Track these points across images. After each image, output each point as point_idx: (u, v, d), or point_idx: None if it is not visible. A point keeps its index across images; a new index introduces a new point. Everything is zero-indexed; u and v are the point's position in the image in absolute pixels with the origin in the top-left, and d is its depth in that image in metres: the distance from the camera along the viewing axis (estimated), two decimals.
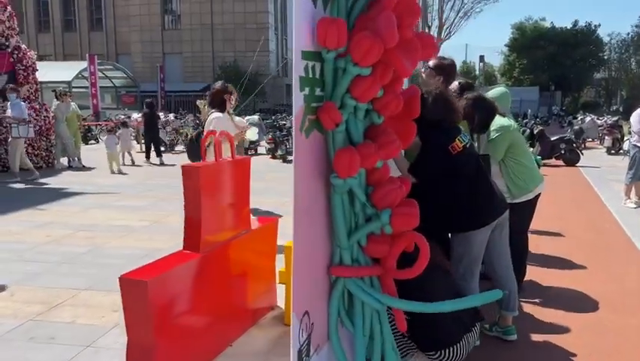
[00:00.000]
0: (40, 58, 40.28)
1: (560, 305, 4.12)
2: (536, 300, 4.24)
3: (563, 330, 3.69)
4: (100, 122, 21.87)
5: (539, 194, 4.24)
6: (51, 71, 24.93)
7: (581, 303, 4.18)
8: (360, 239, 2.35)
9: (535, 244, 5.65)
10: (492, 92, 5.04)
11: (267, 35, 41.93)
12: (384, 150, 2.21)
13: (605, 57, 52.42)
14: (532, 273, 4.78)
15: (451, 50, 69.85)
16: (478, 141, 4.33)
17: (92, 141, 19.61)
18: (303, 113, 1.93)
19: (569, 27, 49.39)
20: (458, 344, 2.79)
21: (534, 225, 6.08)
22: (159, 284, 2.52)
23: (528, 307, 4.09)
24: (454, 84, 4.61)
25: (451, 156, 3.07)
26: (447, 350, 2.77)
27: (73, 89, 27.99)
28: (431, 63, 3.97)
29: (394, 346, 2.59)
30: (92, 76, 26.85)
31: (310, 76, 1.97)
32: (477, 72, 65.37)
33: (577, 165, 12.85)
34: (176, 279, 2.69)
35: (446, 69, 3.90)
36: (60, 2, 44.31)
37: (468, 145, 3.17)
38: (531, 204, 4.21)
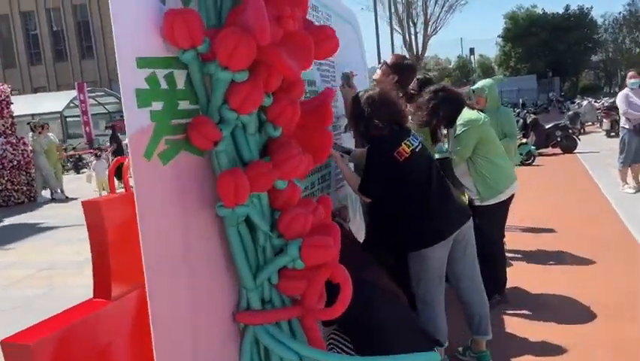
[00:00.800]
0: (35, 90, 40.17)
1: (550, 316, 3.70)
2: (523, 311, 3.82)
3: (551, 349, 3.25)
4: (91, 150, 21.59)
5: (513, 195, 3.81)
6: (44, 102, 24.82)
7: (574, 312, 3.75)
8: (270, 276, 1.94)
9: (524, 242, 5.23)
10: (480, 83, 4.74)
11: None
12: (281, 168, 1.80)
13: (601, 39, 51.75)
14: (520, 277, 4.37)
15: (445, 45, 69.52)
16: (447, 137, 3.96)
17: (84, 170, 19.33)
18: (153, 134, 1.52)
19: (560, 12, 48.85)
20: None
21: (524, 221, 5.69)
22: (50, 346, 2.12)
23: (513, 322, 3.67)
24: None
25: (397, 164, 2.69)
26: None
27: (67, 119, 27.81)
28: (389, 60, 3.60)
29: None
30: (83, 104, 26.61)
31: (163, 87, 1.57)
32: (473, 65, 65.00)
33: (575, 151, 12.37)
34: (77, 336, 2.29)
35: (404, 69, 3.54)
36: (50, 33, 44.33)
37: (418, 149, 2.78)
38: (504, 206, 3.79)
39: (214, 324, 1.85)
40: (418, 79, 4.25)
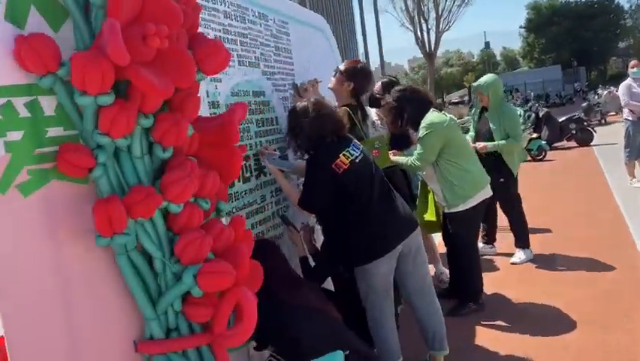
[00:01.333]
0: None
1: (526, 327, 3.52)
2: (499, 321, 3.65)
3: None
4: None
5: (484, 200, 3.65)
6: None
7: (554, 321, 3.55)
8: (173, 304, 1.86)
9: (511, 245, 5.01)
10: (482, 80, 4.64)
11: None
12: (168, 192, 1.72)
13: (627, 25, 50.20)
14: (505, 282, 4.19)
15: (468, 41, 68.43)
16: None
17: None
18: (8, 165, 1.46)
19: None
20: None
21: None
22: None
23: (483, 332, 3.51)
24: (377, 84, 4.13)
25: (336, 177, 2.58)
26: None
27: None
28: (341, 67, 3.48)
29: None
30: None
31: (22, 115, 1.50)
32: (497, 58, 63.80)
33: (592, 143, 11.96)
34: None
35: (357, 74, 3.40)
36: None
37: (358, 159, 2.67)
38: (474, 212, 3.62)
39: (110, 357, 1.78)
40: (382, 82, 4.14)
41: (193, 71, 1.70)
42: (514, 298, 3.98)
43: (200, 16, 2.46)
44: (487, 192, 3.67)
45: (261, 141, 3.03)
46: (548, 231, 5.59)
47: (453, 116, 3.76)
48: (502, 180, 4.61)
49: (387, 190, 2.81)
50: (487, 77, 4.72)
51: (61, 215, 1.60)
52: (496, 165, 4.55)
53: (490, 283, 4.26)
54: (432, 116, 3.53)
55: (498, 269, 4.65)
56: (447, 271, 4.27)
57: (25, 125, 1.52)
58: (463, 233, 3.70)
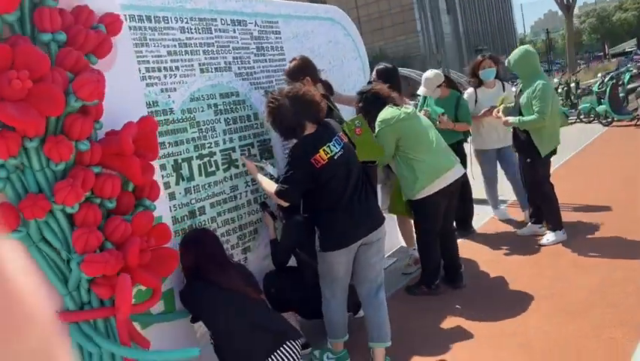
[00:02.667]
0: None
1: (494, 310, 3.47)
2: (471, 306, 3.62)
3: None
4: None
5: (446, 187, 3.62)
6: None
7: (523, 309, 3.43)
8: (80, 283, 2.36)
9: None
10: (510, 56, 4.53)
11: (414, 15, 41.10)
12: (57, 197, 2.19)
13: None
14: (505, 267, 4.10)
15: None
16: None
17: None
18: None
19: None
20: None
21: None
22: None
23: (450, 316, 3.51)
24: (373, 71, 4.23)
25: (313, 171, 2.83)
26: None
27: None
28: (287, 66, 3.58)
29: None
30: None
31: None
32: None
33: None
34: None
35: (304, 69, 3.52)
36: None
37: (337, 155, 2.88)
38: (430, 200, 3.66)
39: (32, 323, 2.32)
40: (377, 69, 4.20)
41: (60, 102, 2.13)
42: (509, 282, 3.88)
43: (150, 35, 2.90)
44: (446, 180, 3.62)
45: (232, 137, 3.39)
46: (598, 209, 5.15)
47: (408, 109, 3.77)
48: (529, 160, 4.45)
49: (362, 187, 2.97)
50: (515, 52, 4.48)
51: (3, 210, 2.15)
52: (525, 144, 4.40)
53: (498, 264, 4.20)
54: (384, 112, 3.63)
55: (522, 250, 4.49)
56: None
57: None
58: (420, 220, 3.80)
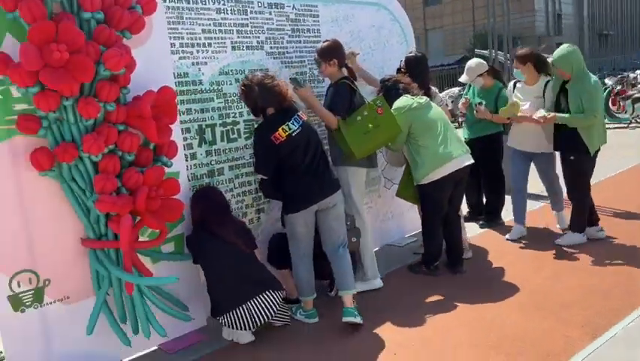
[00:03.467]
0: None
1: (476, 295, 3.68)
2: (450, 288, 3.84)
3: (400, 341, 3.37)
4: None
5: (451, 174, 3.82)
6: None
7: (502, 296, 3.62)
8: (99, 219, 2.93)
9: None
10: (558, 52, 4.44)
11: None
12: (83, 147, 2.73)
13: None
14: (515, 263, 4.24)
15: None
16: None
17: None
18: None
19: None
20: (233, 312, 3.08)
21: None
22: None
23: (439, 297, 3.75)
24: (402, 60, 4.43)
25: (274, 147, 3.25)
26: (224, 316, 3.11)
27: None
28: (315, 56, 3.83)
29: (147, 309, 3.06)
30: None
31: None
32: None
33: None
34: None
35: (331, 51, 3.75)
36: None
37: (296, 132, 3.28)
38: (435, 186, 3.89)
39: (62, 244, 2.92)
40: (406, 57, 4.38)
41: (91, 71, 2.64)
42: (507, 274, 4.03)
43: (186, 15, 3.36)
44: (450, 167, 3.80)
45: None
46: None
47: (422, 99, 3.97)
48: (572, 157, 4.40)
49: (318, 160, 3.36)
50: (562, 50, 4.39)
51: (21, 154, 2.75)
52: (570, 141, 4.35)
53: (504, 257, 4.35)
54: (399, 101, 3.89)
55: (535, 246, 4.56)
56: (467, 239, 4.51)
57: None
58: (425, 204, 4.04)
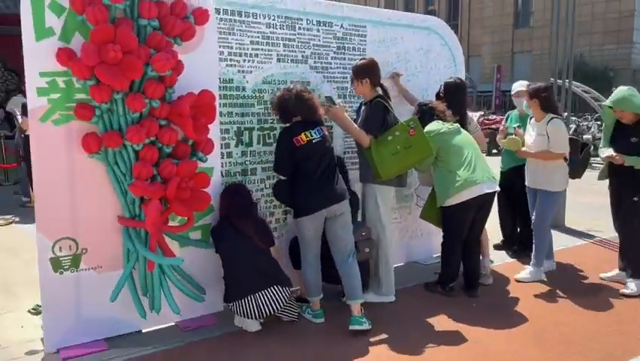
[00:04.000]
0: None
1: (482, 321, 3.74)
2: (459, 311, 3.91)
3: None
4: None
5: (473, 199, 3.93)
6: None
7: (507, 325, 3.66)
8: (135, 201, 3.30)
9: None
10: (616, 95, 4.37)
11: (633, 24, 37.02)
12: (127, 136, 3.11)
13: None
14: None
15: None
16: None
17: None
18: (47, 109, 3.05)
19: None
20: (241, 300, 3.37)
21: None
22: None
23: (448, 320, 3.86)
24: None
25: (294, 147, 3.53)
26: (234, 303, 3.41)
27: None
28: (351, 74, 4.02)
29: (164, 286, 3.40)
30: None
31: (60, 86, 3.03)
32: None
33: None
34: None
35: (364, 70, 3.92)
36: (424, 9, 48.67)
37: (315, 140, 3.54)
38: (456, 209, 4.02)
39: (101, 219, 3.32)
40: (445, 83, 4.49)
41: (139, 70, 3.01)
42: (519, 305, 4.04)
43: (237, 27, 3.70)
44: (474, 192, 3.88)
45: None
46: None
47: (452, 125, 4.13)
48: (635, 198, 4.28)
49: (331, 169, 3.58)
50: (620, 92, 4.31)
51: (75, 137, 3.16)
52: (633, 182, 4.27)
53: (523, 288, 4.36)
54: (430, 125, 4.07)
55: (557, 283, 4.53)
56: (489, 265, 4.55)
57: (61, 91, 3.09)
58: (446, 226, 4.17)
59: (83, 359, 3.15)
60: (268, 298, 3.40)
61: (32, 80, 3.03)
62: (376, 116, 3.80)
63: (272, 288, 3.40)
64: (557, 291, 4.39)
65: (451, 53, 5.12)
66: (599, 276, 4.67)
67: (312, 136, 3.54)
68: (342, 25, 4.31)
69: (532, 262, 4.63)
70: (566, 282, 4.58)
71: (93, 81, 3.03)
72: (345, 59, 4.36)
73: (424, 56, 4.92)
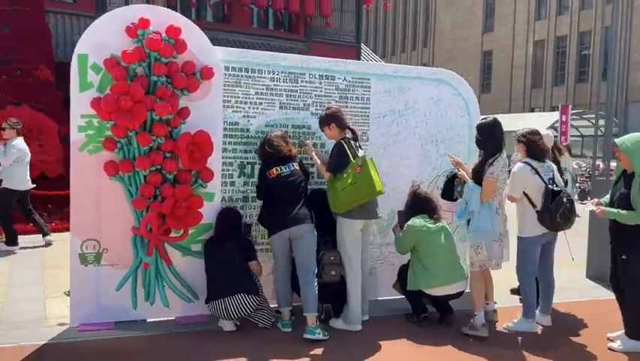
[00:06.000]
0: (532, 110, 43.35)
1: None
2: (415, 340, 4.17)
3: None
4: None
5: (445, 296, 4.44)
6: (520, 122, 27.62)
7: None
8: (143, 213, 4.24)
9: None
10: (630, 137, 4.18)
11: None
12: (137, 164, 4.07)
13: None
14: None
15: None
16: None
17: None
18: (84, 142, 4.13)
19: None
20: (214, 302, 4.11)
21: None
22: None
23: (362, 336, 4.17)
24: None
25: (267, 179, 4.29)
26: (210, 304, 4.15)
27: None
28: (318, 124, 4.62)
29: (159, 284, 4.26)
30: (563, 125, 27.63)
31: (95, 125, 4.11)
32: None
33: None
34: None
35: (329, 118, 4.46)
36: (577, 54, 46.15)
37: (285, 173, 4.28)
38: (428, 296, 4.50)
39: (119, 227, 4.31)
40: (478, 125, 4.62)
41: (144, 115, 3.98)
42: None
43: (243, 80, 4.56)
44: (440, 291, 4.51)
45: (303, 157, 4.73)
46: None
47: (437, 224, 4.62)
48: (624, 257, 4.15)
49: (297, 197, 4.25)
50: (634, 136, 4.11)
51: (103, 163, 4.19)
52: (619, 238, 4.18)
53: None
54: (414, 220, 4.63)
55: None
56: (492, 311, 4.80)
57: (95, 129, 4.17)
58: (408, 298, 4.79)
59: (93, 333, 4.10)
60: (235, 303, 4.08)
61: (75, 120, 4.14)
62: (335, 156, 4.34)
63: (238, 295, 4.08)
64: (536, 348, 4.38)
65: (464, 103, 5.46)
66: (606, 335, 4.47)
67: (281, 170, 4.26)
68: (344, 79, 4.96)
69: (522, 312, 4.64)
70: (556, 340, 4.56)
71: (112, 122, 4.06)
72: (347, 106, 4.97)
73: (434, 105, 5.33)
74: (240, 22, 16.16)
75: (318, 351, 3.98)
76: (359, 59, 18.56)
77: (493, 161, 4.35)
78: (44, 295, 5.01)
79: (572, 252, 4.75)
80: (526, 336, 4.44)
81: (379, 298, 5.15)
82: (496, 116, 4.80)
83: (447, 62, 42.15)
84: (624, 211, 4.08)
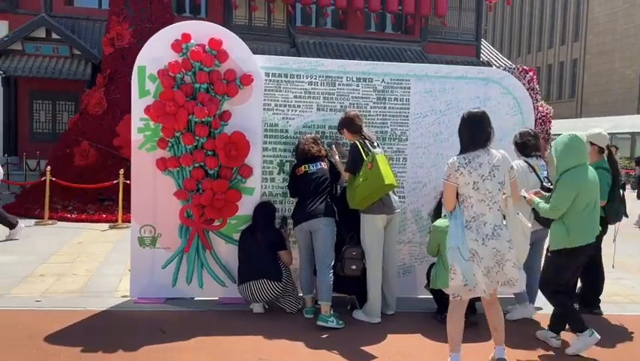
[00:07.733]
0: None
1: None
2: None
3: None
4: None
5: None
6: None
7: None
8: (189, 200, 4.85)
9: None
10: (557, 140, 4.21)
11: None
12: (181, 160, 4.68)
13: None
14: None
15: None
16: None
17: None
18: (142, 141, 4.82)
19: None
20: (242, 285, 4.58)
21: None
22: None
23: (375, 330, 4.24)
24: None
25: (295, 175, 4.68)
26: (240, 286, 4.63)
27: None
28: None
29: (198, 267, 4.81)
30: None
31: (152, 127, 4.80)
32: None
33: None
34: None
35: (342, 123, 4.74)
36: None
37: (311, 171, 4.61)
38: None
39: (172, 215, 4.95)
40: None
41: (185, 118, 4.57)
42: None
43: (283, 85, 4.99)
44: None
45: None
46: None
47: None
48: (549, 254, 4.22)
49: (320, 195, 4.50)
50: (559, 139, 4.16)
51: (159, 160, 4.88)
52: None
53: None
54: (440, 220, 4.62)
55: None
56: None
57: (151, 130, 4.83)
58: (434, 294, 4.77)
59: (146, 305, 4.79)
60: (258, 287, 4.49)
61: (135, 122, 4.86)
62: (350, 157, 4.57)
63: (261, 280, 4.49)
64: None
65: (515, 102, 5.31)
66: None
67: (308, 168, 4.59)
68: (382, 80, 5.13)
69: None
70: None
71: (161, 124, 4.71)
72: (385, 107, 5.14)
73: (481, 104, 5.21)
74: (354, 27, 16.64)
75: (324, 335, 4.26)
76: (478, 57, 18.02)
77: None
78: (122, 272, 5.87)
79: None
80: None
81: (419, 297, 5.24)
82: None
83: (600, 55, 38.67)
84: (542, 203, 4.17)
